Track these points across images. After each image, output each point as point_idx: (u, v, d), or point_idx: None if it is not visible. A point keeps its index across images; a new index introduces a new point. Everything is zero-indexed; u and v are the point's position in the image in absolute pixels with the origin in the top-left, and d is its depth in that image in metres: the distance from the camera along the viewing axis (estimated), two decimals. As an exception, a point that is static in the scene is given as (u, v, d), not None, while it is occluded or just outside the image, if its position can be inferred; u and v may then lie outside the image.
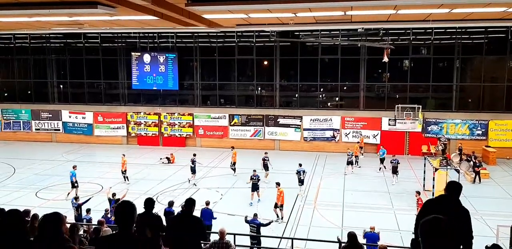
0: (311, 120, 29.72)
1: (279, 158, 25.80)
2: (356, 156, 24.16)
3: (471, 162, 23.49)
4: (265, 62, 30.68)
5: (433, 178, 18.32)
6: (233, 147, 24.84)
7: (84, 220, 12.47)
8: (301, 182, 18.89)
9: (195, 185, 20.07)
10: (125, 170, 21.38)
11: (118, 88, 32.53)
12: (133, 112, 32.11)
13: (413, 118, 26.64)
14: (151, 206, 6.41)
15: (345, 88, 30.03)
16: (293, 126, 30.07)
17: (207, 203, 13.83)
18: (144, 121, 32.01)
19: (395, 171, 20.58)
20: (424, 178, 20.96)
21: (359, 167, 23.17)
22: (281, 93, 30.70)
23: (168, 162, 25.86)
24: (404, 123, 27.78)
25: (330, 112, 29.69)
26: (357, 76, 28.94)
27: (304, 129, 29.73)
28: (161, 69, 31.10)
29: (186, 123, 31.55)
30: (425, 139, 27.98)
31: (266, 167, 21.35)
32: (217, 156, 28.18)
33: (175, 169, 24.71)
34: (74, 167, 18.82)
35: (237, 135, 30.86)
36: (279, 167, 22.81)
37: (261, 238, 12.46)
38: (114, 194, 14.67)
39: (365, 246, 9.84)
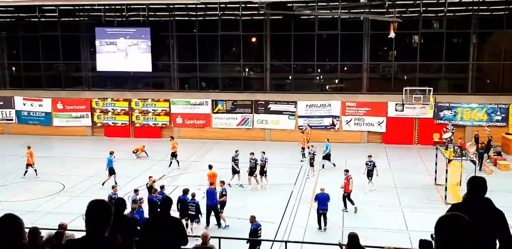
0: (307, 105, 30.02)
1: (271, 150, 25.40)
2: (302, 148, 24.21)
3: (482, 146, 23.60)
4: (254, 39, 30.99)
5: (446, 170, 18.67)
6: (172, 138, 24.94)
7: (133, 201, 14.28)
8: (370, 176, 19.85)
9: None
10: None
11: (81, 70, 32.69)
12: (98, 98, 32.18)
13: (423, 102, 26.92)
14: (122, 208, 6.73)
15: (345, 68, 30.45)
16: (287, 113, 30.34)
17: (211, 183, 16.19)
18: (112, 109, 32.19)
19: (369, 175, 19.73)
20: (435, 170, 21.39)
21: (307, 162, 22.68)
22: (273, 75, 30.94)
23: (136, 156, 26.01)
24: (413, 108, 28.14)
25: (329, 96, 29.95)
26: (360, 54, 29.25)
27: (299, 116, 30.02)
28: (131, 48, 31.20)
29: (162, 110, 31.70)
30: (437, 126, 28.30)
31: (234, 170, 20.96)
32: (198, 149, 28.34)
33: (148, 164, 24.96)
34: (111, 153, 20.42)
35: (221, 124, 31.09)
36: (272, 162, 22.90)
37: (255, 241, 12.84)
38: (162, 187, 16.05)
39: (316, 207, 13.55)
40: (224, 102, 30.84)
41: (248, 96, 30.56)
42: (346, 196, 17.57)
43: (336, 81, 30.73)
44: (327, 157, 23.61)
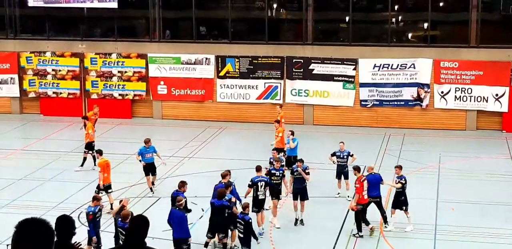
0: (375, 67, 29.20)
1: (314, 140, 26.58)
2: (277, 150, 23.23)
3: None
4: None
5: None
6: (85, 118, 25.38)
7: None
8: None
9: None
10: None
11: (3, 6, 32.09)
12: (31, 53, 31.64)
13: None
14: (68, 232, 6.69)
15: (441, 4, 30.03)
16: (341, 78, 29.63)
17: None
18: (53, 70, 31.55)
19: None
20: None
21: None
22: (318, 16, 30.57)
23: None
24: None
25: (413, 51, 29.27)
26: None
27: (362, 85, 29.43)
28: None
29: (134, 72, 31.06)
30: None
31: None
32: (192, 137, 27.68)
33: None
34: (147, 142, 21.66)
35: (231, 97, 30.65)
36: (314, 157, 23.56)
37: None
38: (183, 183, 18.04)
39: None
40: (237, 60, 30.15)
41: (277, 51, 30.07)
42: (360, 211, 18.38)
43: (425, 26, 30.03)
44: (290, 163, 22.46)
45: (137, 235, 6.30)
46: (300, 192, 19.10)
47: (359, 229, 18.21)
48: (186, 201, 17.07)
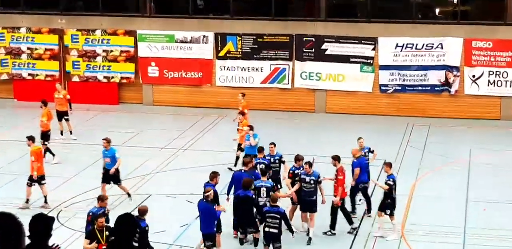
0: (397, 46, 29.33)
1: (325, 132, 26.91)
2: (239, 146, 23.83)
3: None
4: None
5: None
6: (44, 103, 25.23)
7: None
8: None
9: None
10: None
11: None
12: (3, 28, 31.73)
13: None
14: (42, 231, 6.83)
15: None
16: (358, 60, 29.82)
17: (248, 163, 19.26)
18: (29, 48, 31.75)
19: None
20: None
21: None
22: None
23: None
24: None
25: (440, 29, 29.30)
26: None
27: (382, 68, 29.57)
28: None
29: (121, 52, 31.28)
30: None
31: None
32: (187, 127, 27.99)
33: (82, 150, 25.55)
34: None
35: (232, 80, 30.81)
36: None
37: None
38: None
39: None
40: (239, 39, 30.25)
41: (285, 28, 30.13)
42: (339, 207, 18.67)
43: (455, 0, 30.30)
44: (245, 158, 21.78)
45: (123, 233, 6.70)
46: (309, 204, 19.10)
47: (350, 222, 18.49)
48: (216, 193, 17.35)
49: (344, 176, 18.76)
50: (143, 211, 16.27)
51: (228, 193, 18.82)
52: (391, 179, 18.87)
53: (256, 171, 19.24)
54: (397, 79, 29.06)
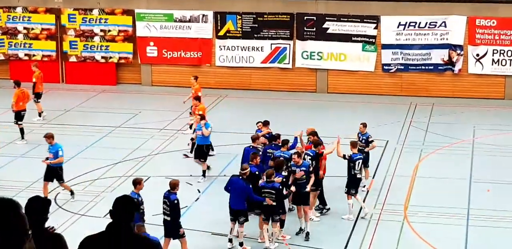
0: (399, 25, 29.51)
1: (328, 112, 27.11)
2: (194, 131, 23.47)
3: None
4: None
5: None
6: (17, 83, 25.24)
7: None
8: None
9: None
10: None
11: None
12: None
13: None
14: (39, 214, 6.68)
15: None
16: (360, 39, 29.97)
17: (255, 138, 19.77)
18: (25, 28, 31.79)
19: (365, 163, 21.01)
20: None
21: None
22: None
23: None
24: None
25: (443, 7, 29.37)
26: None
27: (384, 47, 29.73)
28: None
29: (119, 31, 31.37)
30: None
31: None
32: (186, 108, 27.56)
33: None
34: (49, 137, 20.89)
35: (232, 60, 30.97)
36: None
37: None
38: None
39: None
40: (239, 18, 30.34)
41: (286, 6, 30.15)
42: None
43: None
44: (203, 154, 21.89)
45: (122, 216, 6.64)
46: (300, 197, 18.85)
47: (323, 203, 18.89)
48: (253, 174, 17.52)
49: (325, 159, 18.90)
50: (174, 185, 16.63)
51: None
52: (352, 157, 18.93)
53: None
54: (399, 58, 29.27)
